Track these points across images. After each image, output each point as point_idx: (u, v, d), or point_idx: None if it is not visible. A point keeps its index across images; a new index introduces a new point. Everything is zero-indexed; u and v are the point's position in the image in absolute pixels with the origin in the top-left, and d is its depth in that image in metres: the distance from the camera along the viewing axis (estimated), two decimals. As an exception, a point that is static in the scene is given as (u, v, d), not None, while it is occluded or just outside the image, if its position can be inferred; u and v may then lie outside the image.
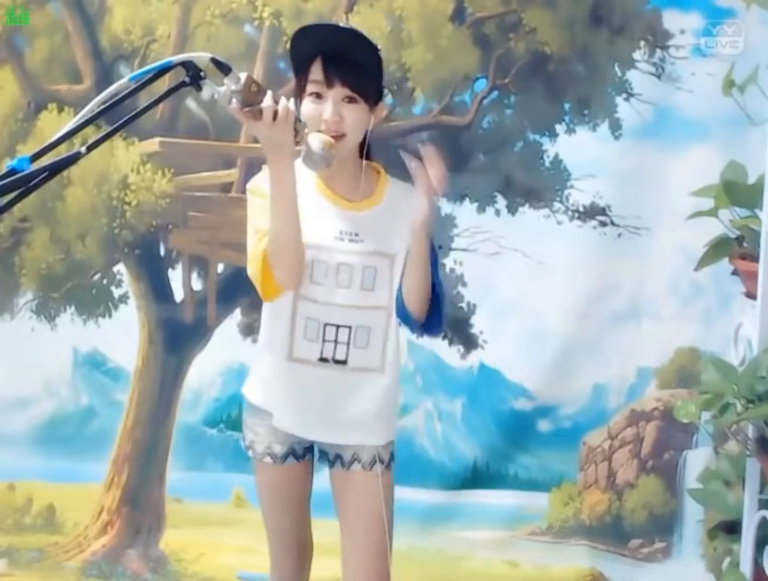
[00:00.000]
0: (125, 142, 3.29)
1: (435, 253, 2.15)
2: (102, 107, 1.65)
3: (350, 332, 2.11)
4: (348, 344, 2.11)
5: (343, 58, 2.02)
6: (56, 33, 3.31)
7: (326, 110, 2.03)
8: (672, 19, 3.13)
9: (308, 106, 2.05)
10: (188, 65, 1.78)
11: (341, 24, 2.11)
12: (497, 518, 3.26)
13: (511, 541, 3.30)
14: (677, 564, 3.27)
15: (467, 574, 3.24)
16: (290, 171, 1.96)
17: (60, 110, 3.29)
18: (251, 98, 1.84)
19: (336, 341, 2.11)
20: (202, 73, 1.78)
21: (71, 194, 3.32)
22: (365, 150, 2.14)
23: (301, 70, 2.07)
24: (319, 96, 2.04)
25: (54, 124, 3.24)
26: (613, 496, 3.30)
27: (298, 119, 1.92)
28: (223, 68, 1.82)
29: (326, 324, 2.11)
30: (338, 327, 2.11)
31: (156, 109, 3.26)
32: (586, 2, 3.16)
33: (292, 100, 1.93)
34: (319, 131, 2.00)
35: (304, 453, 2.25)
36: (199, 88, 1.79)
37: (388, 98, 3.00)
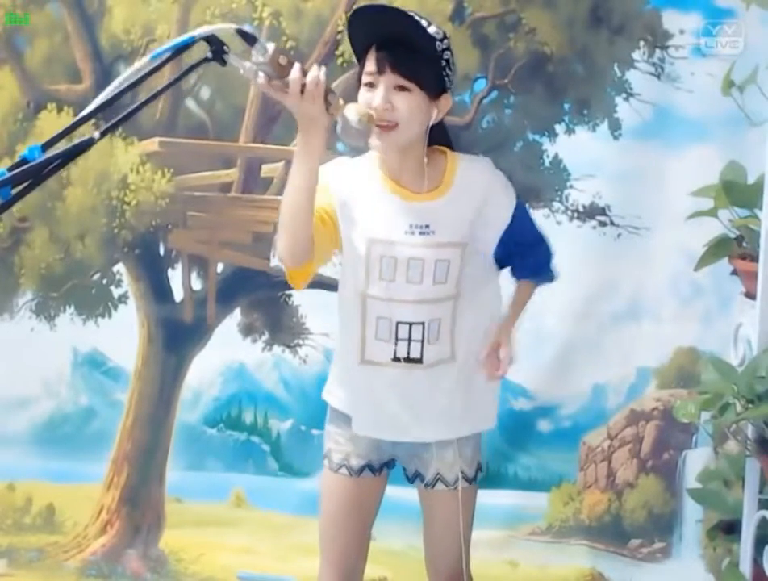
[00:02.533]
0: (124, 142, 3.29)
1: (526, 210, 2.17)
2: (124, 87, 1.56)
3: (423, 328, 2.04)
4: (423, 341, 2.04)
5: (396, 43, 1.91)
6: (56, 33, 3.31)
7: (376, 96, 1.93)
8: (672, 19, 3.13)
9: (362, 94, 1.96)
10: (211, 39, 1.67)
11: (396, 7, 1.98)
12: (497, 518, 3.25)
13: (511, 541, 3.30)
14: (676, 564, 3.26)
15: (467, 574, 3.24)
16: (318, 145, 1.85)
17: (60, 110, 3.28)
18: (279, 70, 1.74)
19: (409, 339, 2.04)
20: (225, 48, 1.68)
21: (71, 194, 3.32)
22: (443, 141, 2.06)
23: (360, 58, 1.99)
24: (372, 85, 1.95)
25: (53, 124, 3.24)
26: (613, 496, 3.30)
27: (331, 91, 1.81)
28: (249, 39, 1.72)
29: (398, 323, 2.03)
30: (411, 324, 2.03)
31: (156, 108, 3.27)
32: (585, 2, 3.15)
33: (323, 69, 1.80)
34: (372, 123, 1.91)
35: (381, 467, 2.21)
36: (223, 63, 1.69)
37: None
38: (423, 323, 2.04)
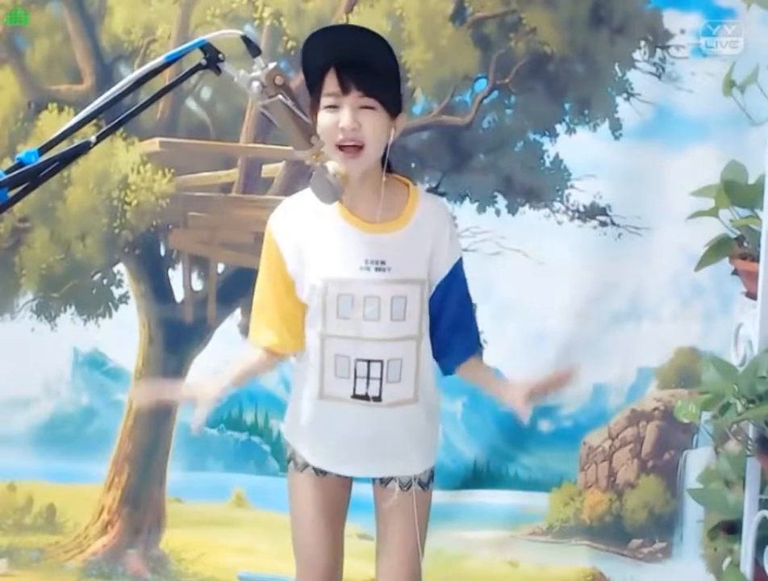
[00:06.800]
0: (125, 142, 3.29)
1: (471, 303, 2.18)
2: (131, 84, 1.59)
3: (382, 366, 2.03)
4: (381, 379, 2.04)
5: (358, 62, 1.91)
6: (56, 33, 3.31)
7: (343, 117, 1.93)
8: (672, 19, 3.13)
9: (324, 116, 1.96)
10: (205, 47, 1.68)
11: (354, 26, 2.05)
12: (497, 518, 3.26)
13: (512, 541, 3.30)
14: (677, 564, 3.26)
15: (467, 574, 3.24)
16: None
17: (61, 110, 3.28)
18: (272, 89, 1.75)
19: (368, 377, 2.04)
20: (220, 55, 1.69)
21: (71, 194, 3.32)
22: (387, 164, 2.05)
23: (315, 83, 1.98)
24: (335, 107, 1.95)
25: (54, 124, 3.24)
26: (613, 496, 3.30)
27: (316, 135, 1.83)
28: (253, 49, 1.74)
29: (357, 360, 2.03)
30: (369, 362, 2.03)
31: (157, 109, 3.27)
32: (586, 2, 3.15)
33: None
34: (338, 145, 1.94)
35: None
36: (218, 71, 1.70)
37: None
38: (381, 362, 2.03)
